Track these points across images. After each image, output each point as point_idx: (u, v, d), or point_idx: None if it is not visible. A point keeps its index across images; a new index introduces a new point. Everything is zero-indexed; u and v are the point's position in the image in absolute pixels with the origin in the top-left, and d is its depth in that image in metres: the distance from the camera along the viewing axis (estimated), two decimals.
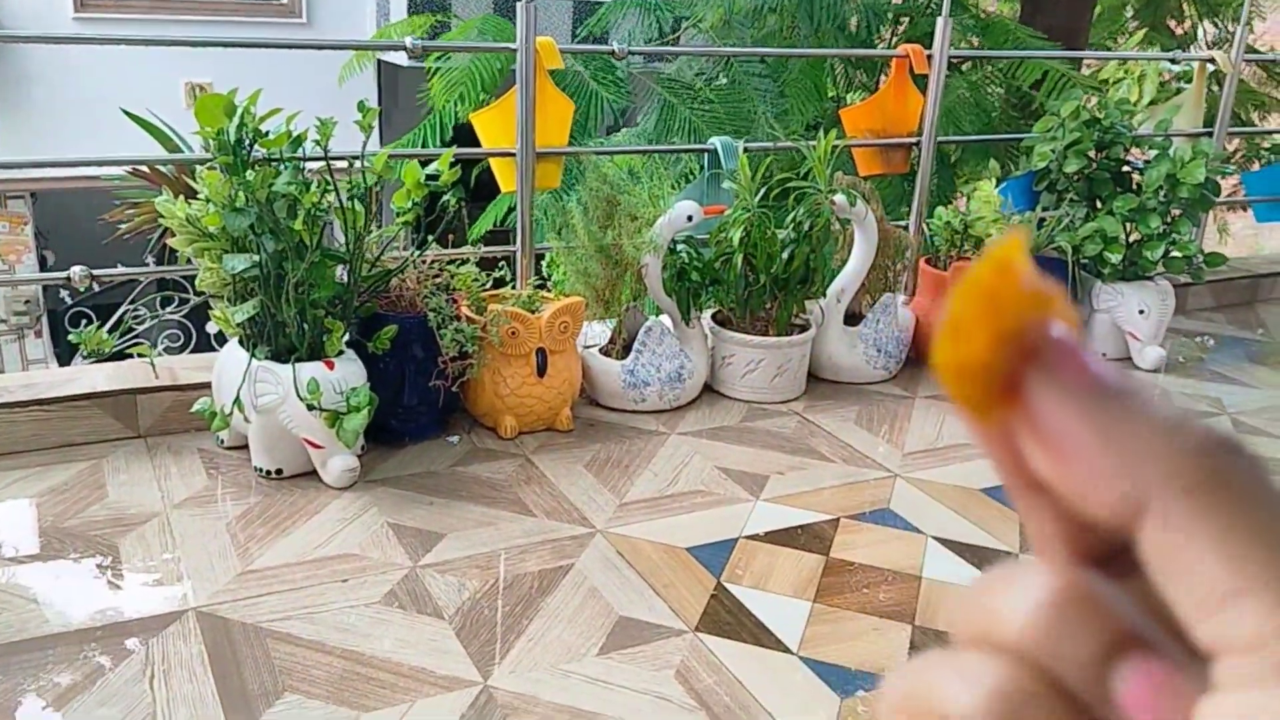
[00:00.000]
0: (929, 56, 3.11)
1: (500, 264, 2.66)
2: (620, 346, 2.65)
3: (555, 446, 2.43)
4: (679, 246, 2.68)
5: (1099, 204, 3.15)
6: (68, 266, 2.41)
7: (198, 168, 2.15)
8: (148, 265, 4.18)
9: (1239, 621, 0.19)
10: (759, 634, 1.76)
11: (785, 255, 2.67)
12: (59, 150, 6.28)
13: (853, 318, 2.93)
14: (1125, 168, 3.15)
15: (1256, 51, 6.29)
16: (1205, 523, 0.20)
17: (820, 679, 1.66)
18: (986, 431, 0.23)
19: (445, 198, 2.28)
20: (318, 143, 2.10)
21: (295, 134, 2.09)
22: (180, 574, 1.85)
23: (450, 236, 2.46)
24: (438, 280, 2.36)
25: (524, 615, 1.78)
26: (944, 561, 2.03)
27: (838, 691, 1.63)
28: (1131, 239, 3.10)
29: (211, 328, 2.34)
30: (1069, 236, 3.08)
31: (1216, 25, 6.97)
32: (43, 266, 7.05)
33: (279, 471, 2.18)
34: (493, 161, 2.75)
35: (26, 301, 6.55)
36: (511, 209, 3.67)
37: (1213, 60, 3.74)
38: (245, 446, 2.24)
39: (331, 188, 2.13)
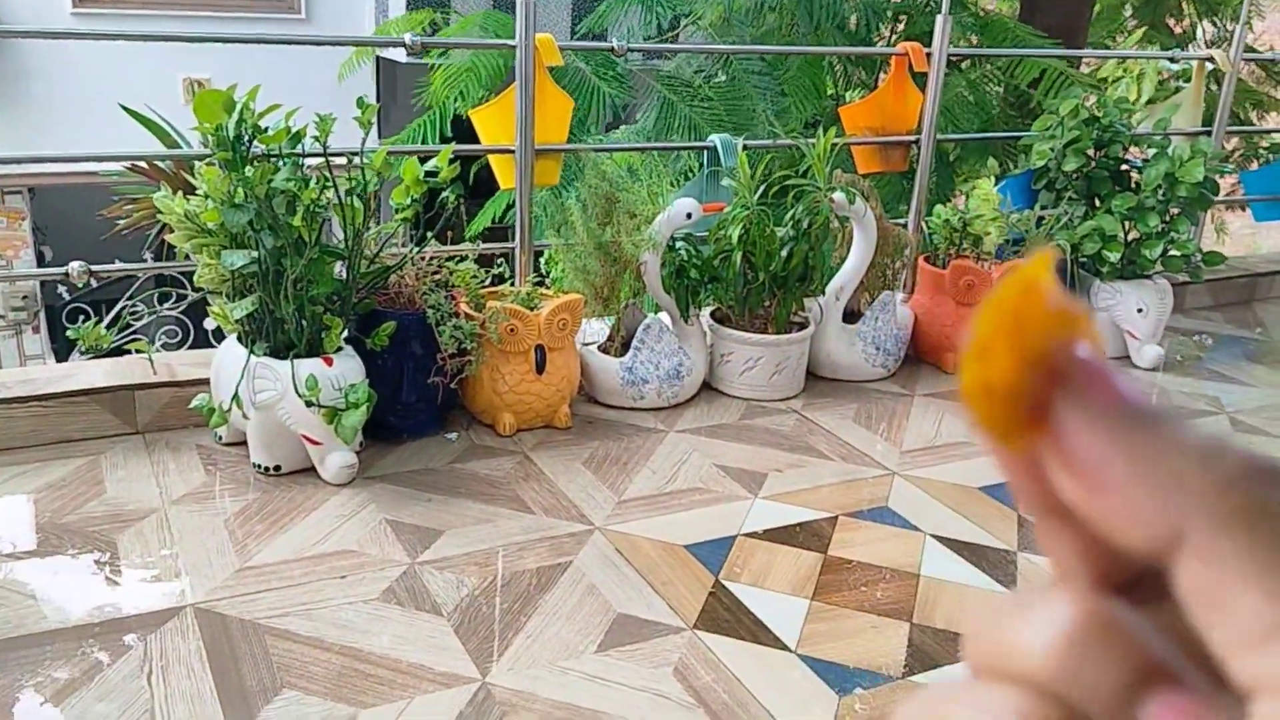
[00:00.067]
0: (928, 54, 3.11)
1: (499, 261, 2.65)
2: (619, 344, 2.65)
3: (554, 444, 2.43)
4: (678, 244, 2.68)
5: (1098, 202, 3.15)
6: (65, 262, 2.40)
7: (196, 163, 2.15)
8: (146, 261, 4.18)
9: None
10: (757, 631, 1.76)
11: (784, 253, 2.67)
12: (57, 145, 6.28)
13: (851, 315, 2.94)
14: (1124, 166, 3.15)
15: (1255, 50, 6.30)
16: (1246, 555, 0.19)
17: (818, 676, 1.66)
18: (1011, 456, 0.22)
19: (444, 194, 2.28)
20: (316, 139, 2.10)
21: (294, 130, 2.08)
22: (178, 570, 1.85)
23: (449, 233, 2.46)
24: (436, 277, 2.36)
25: (522, 612, 1.78)
26: (942, 559, 2.03)
27: (835, 689, 1.63)
28: (1130, 238, 3.10)
29: (209, 324, 2.34)
30: (1067, 235, 3.09)
31: (1215, 24, 6.98)
32: (40, 262, 7.05)
33: (277, 468, 2.18)
34: (492, 158, 2.75)
35: (24, 297, 6.54)
36: (510, 206, 3.66)
37: (1212, 59, 3.74)
38: (243, 443, 2.23)
39: (330, 184, 2.13)
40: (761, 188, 2.68)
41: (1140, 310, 3.11)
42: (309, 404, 2.05)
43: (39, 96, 6.62)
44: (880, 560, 2.01)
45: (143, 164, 3.18)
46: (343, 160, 2.24)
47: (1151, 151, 3.12)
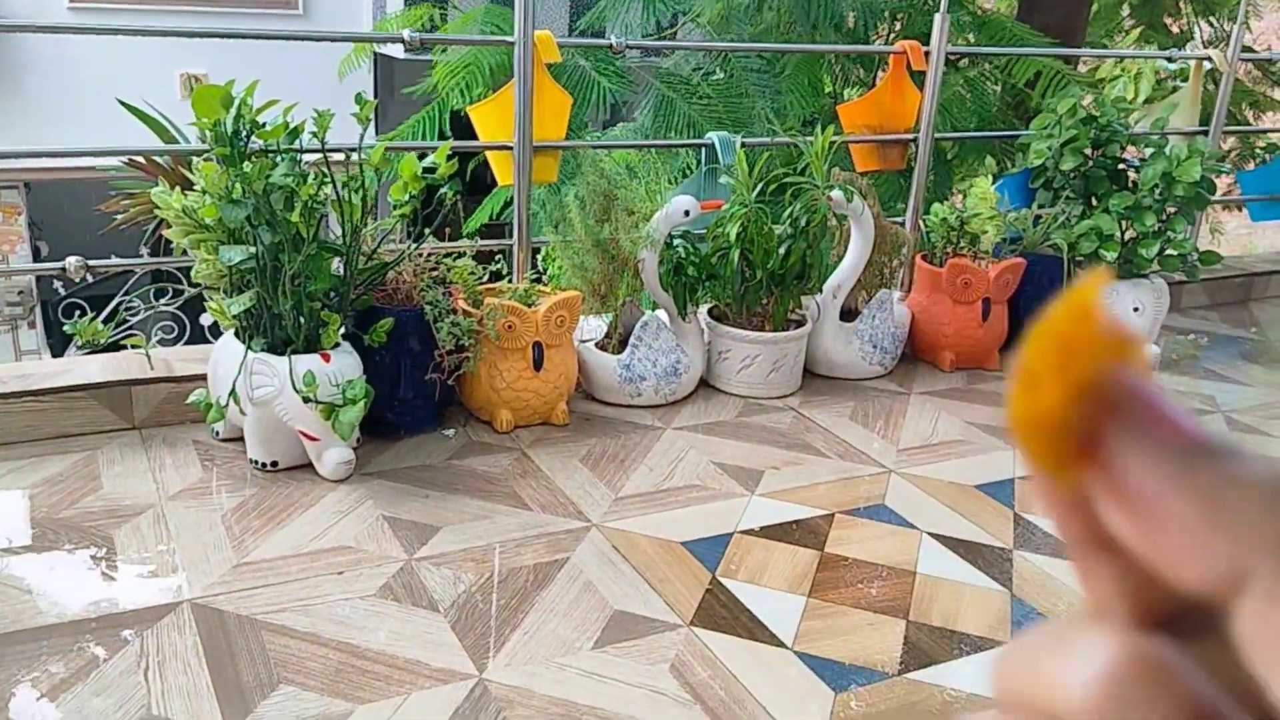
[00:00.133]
0: (926, 53, 3.11)
1: (497, 258, 2.65)
2: (616, 341, 2.66)
3: (551, 440, 2.43)
4: (676, 241, 2.68)
5: (1095, 201, 3.15)
6: (61, 257, 2.40)
7: (194, 159, 2.14)
8: (142, 256, 4.17)
9: None
10: (754, 628, 1.77)
11: (782, 251, 2.68)
12: (53, 140, 6.27)
13: (849, 314, 2.94)
14: (1121, 165, 3.16)
15: (1252, 51, 6.30)
16: None
17: (814, 673, 1.66)
18: (1058, 489, 0.21)
19: (442, 191, 2.28)
20: (315, 134, 2.10)
21: (292, 125, 2.08)
22: (175, 566, 1.85)
23: (447, 229, 2.46)
24: (434, 273, 2.36)
25: (519, 609, 1.78)
26: (938, 557, 2.03)
27: (832, 686, 1.64)
28: (1127, 237, 3.11)
29: (205, 319, 2.34)
30: (1064, 234, 3.09)
31: (1213, 24, 6.99)
32: (36, 257, 7.03)
33: (274, 464, 2.17)
34: (490, 155, 2.74)
35: (20, 292, 6.53)
36: (508, 203, 3.66)
37: (1209, 59, 3.75)
38: (240, 438, 2.23)
39: (328, 180, 2.12)
40: (759, 185, 2.68)
41: (1137, 309, 3.11)
42: (306, 400, 2.05)
43: (35, 91, 6.61)
44: (876, 558, 2.01)
45: (140, 159, 3.18)
46: (341, 156, 2.24)
47: (1149, 151, 3.12)
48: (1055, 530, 0.22)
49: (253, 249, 2.03)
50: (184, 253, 2.20)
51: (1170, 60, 3.99)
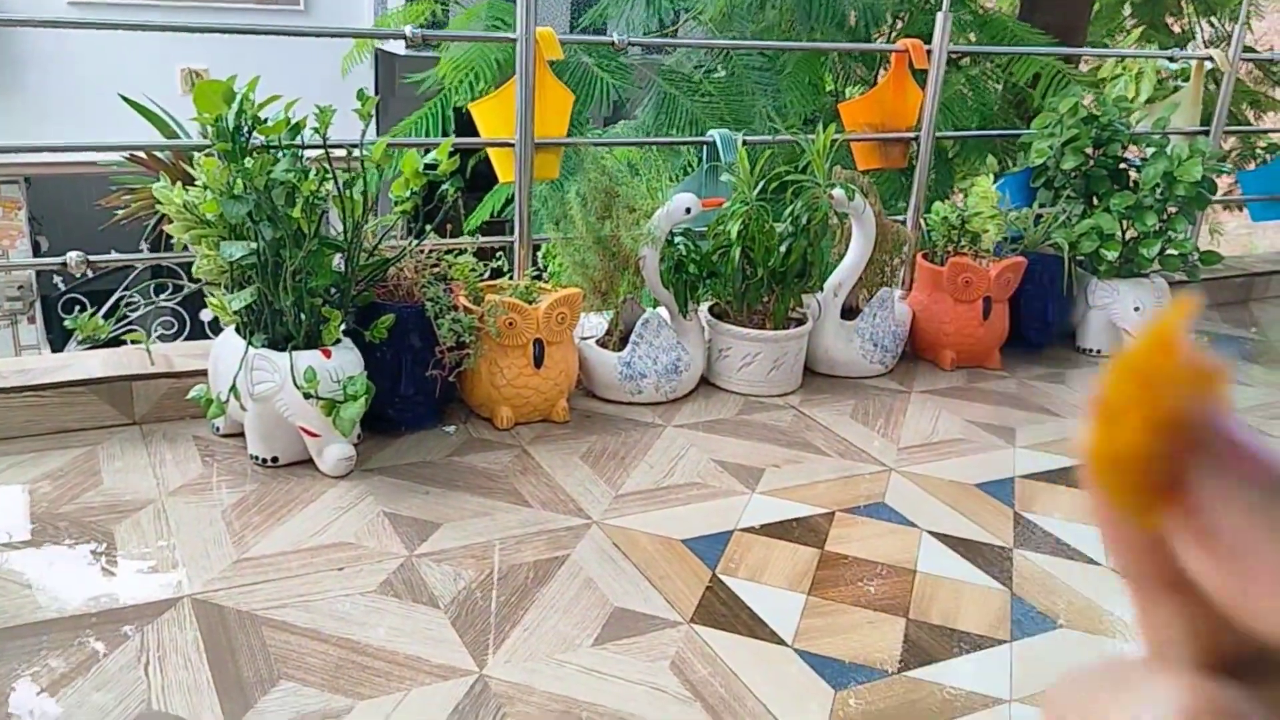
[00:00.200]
0: (928, 51, 3.11)
1: (498, 254, 2.65)
2: (617, 338, 2.65)
3: (551, 438, 2.43)
4: (677, 239, 2.68)
5: (1096, 201, 3.15)
6: (61, 252, 2.40)
7: (195, 154, 2.14)
8: (142, 252, 4.16)
9: None
10: (754, 626, 1.77)
11: (783, 249, 2.68)
12: (53, 135, 6.26)
13: (850, 312, 2.94)
14: (1122, 165, 3.16)
15: (1254, 50, 6.30)
16: None
17: (814, 671, 1.66)
18: (1133, 528, 0.20)
19: (443, 187, 2.28)
20: (316, 130, 2.10)
21: (294, 121, 2.08)
22: (175, 561, 1.85)
23: (448, 226, 2.46)
24: (435, 270, 2.36)
25: (519, 605, 1.78)
26: (938, 556, 2.03)
27: (831, 684, 1.64)
28: (1128, 236, 3.11)
29: (205, 315, 2.34)
30: (1065, 233, 3.09)
31: (1214, 24, 6.98)
32: (36, 252, 7.03)
33: (275, 459, 2.17)
34: (491, 152, 2.74)
35: (20, 287, 6.53)
36: (509, 199, 3.66)
37: (1210, 59, 3.75)
38: (241, 434, 2.23)
39: (330, 176, 2.12)
40: (761, 183, 2.68)
41: (1137, 309, 3.11)
42: (307, 396, 2.05)
43: (36, 86, 6.60)
44: (877, 556, 2.02)
45: (141, 154, 3.18)
46: (342, 152, 2.24)
47: (1150, 150, 3.12)
48: (1118, 569, 0.21)
49: (254, 244, 2.02)
50: (185, 248, 2.20)
51: (1171, 60, 3.99)
